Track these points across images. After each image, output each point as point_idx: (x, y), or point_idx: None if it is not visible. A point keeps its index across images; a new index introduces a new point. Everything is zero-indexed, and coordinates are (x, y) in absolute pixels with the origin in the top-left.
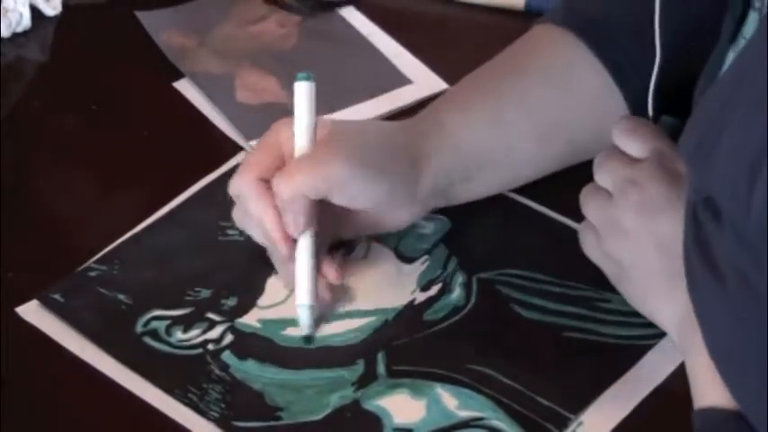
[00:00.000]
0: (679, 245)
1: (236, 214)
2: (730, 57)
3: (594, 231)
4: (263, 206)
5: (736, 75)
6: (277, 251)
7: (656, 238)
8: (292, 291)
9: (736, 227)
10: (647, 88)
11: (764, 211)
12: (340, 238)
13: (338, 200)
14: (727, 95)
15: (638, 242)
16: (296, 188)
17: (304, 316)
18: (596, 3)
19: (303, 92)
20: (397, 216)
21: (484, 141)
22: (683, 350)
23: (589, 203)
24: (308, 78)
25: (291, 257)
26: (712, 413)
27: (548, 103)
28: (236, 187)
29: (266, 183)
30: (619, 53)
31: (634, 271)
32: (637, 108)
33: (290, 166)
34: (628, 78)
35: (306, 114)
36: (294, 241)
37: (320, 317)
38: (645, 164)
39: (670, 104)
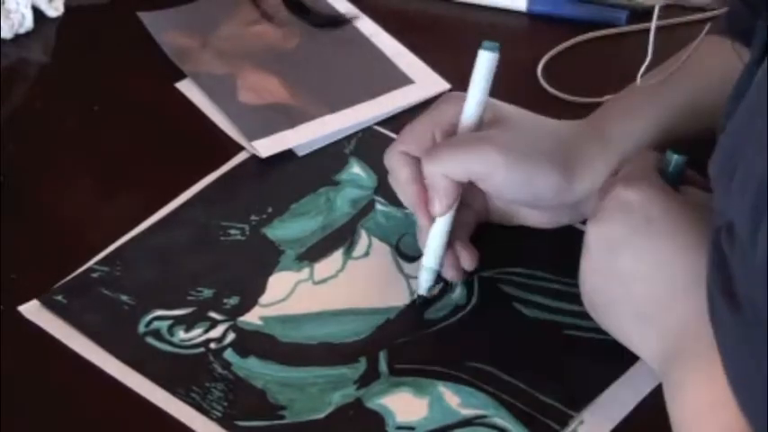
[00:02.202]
0: (641, 283)
1: (390, 180)
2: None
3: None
4: (408, 180)
5: (752, 104)
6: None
7: (616, 275)
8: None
9: (746, 257)
10: None
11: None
12: (485, 220)
13: (483, 187)
14: (743, 124)
15: (587, 250)
16: (439, 168)
17: (424, 277)
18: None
19: (485, 63)
20: (548, 216)
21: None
22: (664, 389)
23: None
24: (493, 49)
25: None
26: None
27: (715, 112)
28: (386, 159)
29: (415, 157)
30: None
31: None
32: None
33: (440, 145)
34: None
35: (480, 91)
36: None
37: (436, 284)
38: (605, 200)
39: None
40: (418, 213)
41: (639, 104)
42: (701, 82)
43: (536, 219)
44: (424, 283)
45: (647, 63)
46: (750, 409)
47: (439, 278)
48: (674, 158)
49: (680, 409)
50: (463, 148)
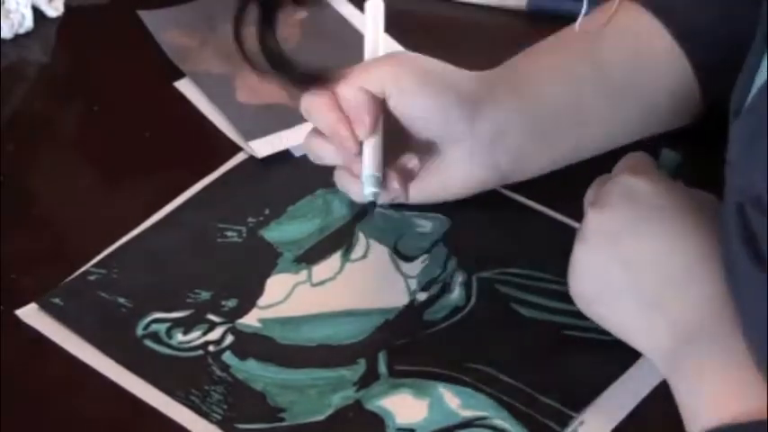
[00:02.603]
0: (650, 269)
1: (307, 140)
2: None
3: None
4: (329, 112)
5: None
6: (344, 152)
7: (620, 262)
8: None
9: None
10: (717, 61)
11: None
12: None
13: (395, 102)
14: None
15: (605, 266)
16: (354, 82)
17: (368, 184)
18: None
19: (375, 11)
20: (459, 168)
21: (552, 95)
22: (673, 379)
23: None
24: None
25: (357, 156)
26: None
27: (619, 64)
28: (304, 104)
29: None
30: (686, 23)
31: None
32: (706, 81)
33: (350, 70)
34: (696, 49)
35: (374, 33)
36: (360, 144)
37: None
38: (621, 170)
39: None
40: (342, 136)
41: (545, 54)
42: (607, 36)
43: (454, 180)
44: (367, 190)
45: None
46: None
47: (436, 279)
48: (671, 156)
49: (696, 396)
50: (375, 63)
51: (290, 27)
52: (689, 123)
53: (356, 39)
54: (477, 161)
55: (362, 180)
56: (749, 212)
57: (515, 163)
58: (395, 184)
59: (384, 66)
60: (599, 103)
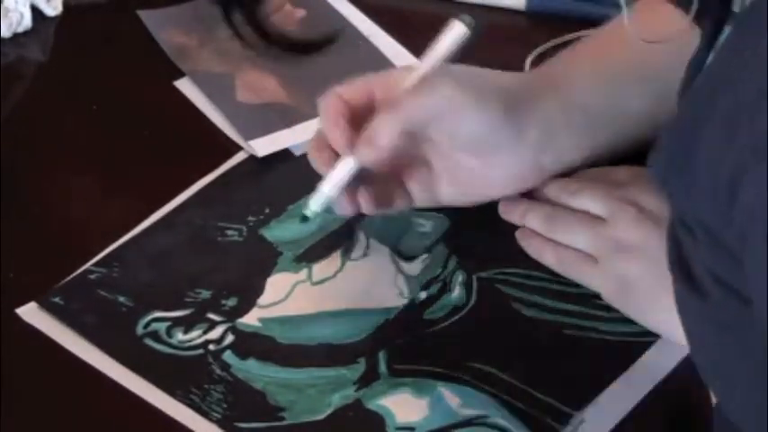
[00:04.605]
0: None
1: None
2: None
3: (588, 258)
4: (337, 117)
5: (710, 84)
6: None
7: (661, 249)
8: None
9: (716, 238)
10: None
11: (746, 221)
12: (433, 205)
13: (438, 131)
14: (701, 107)
15: (644, 254)
16: (402, 116)
17: (316, 198)
18: None
19: (455, 34)
20: (503, 172)
21: (595, 96)
22: None
23: (578, 232)
24: (468, 24)
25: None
26: None
27: (662, 67)
28: (321, 100)
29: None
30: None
31: (640, 284)
32: None
33: (399, 95)
34: None
35: (437, 60)
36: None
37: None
38: (632, 183)
39: None
40: (342, 147)
41: (586, 59)
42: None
43: (497, 183)
44: (313, 204)
45: None
46: (721, 390)
47: (436, 279)
48: None
49: None
50: (420, 90)
51: (290, 26)
52: None
53: (355, 38)
54: (524, 165)
55: (316, 190)
56: (677, 232)
57: (558, 162)
58: (347, 208)
59: (430, 95)
60: (642, 106)
